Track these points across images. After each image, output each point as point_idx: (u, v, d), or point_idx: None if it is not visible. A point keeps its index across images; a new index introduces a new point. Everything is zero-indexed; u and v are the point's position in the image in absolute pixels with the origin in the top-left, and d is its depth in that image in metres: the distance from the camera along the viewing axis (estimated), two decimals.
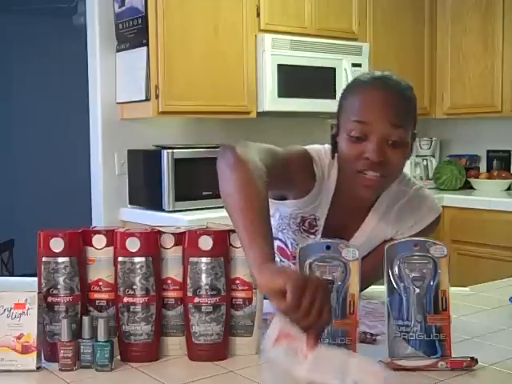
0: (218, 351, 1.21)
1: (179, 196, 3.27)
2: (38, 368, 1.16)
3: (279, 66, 3.59)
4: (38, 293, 1.17)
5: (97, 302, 1.22)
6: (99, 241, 1.22)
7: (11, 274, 4.29)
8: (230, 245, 1.22)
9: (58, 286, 1.19)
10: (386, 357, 1.16)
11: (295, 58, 3.65)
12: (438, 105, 4.37)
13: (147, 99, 3.29)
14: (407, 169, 3.78)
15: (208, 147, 3.40)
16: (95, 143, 3.57)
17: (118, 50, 3.49)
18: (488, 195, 3.92)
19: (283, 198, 1.52)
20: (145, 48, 3.28)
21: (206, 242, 1.19)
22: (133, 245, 1.19)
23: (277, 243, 1.59)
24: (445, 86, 4.33)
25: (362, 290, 1.38)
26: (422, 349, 1.16)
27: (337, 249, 1.17)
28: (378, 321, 1.40)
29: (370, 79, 1.44)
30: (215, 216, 3.10)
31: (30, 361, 1.15)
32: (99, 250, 1.22)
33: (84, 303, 1.21)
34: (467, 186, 4.30)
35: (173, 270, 1.22)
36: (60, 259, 1.19)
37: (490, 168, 4.42)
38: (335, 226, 1.52)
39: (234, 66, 3.51)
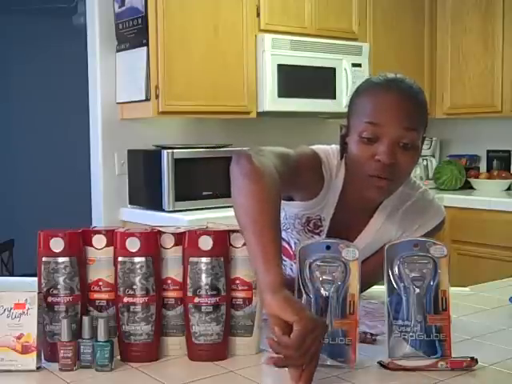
0: (218, 351, 1.21)
1: (179, 196, 3.27)
2: (38, 368, 1.16)
3: (279, 66, 3.59)
4: (38, 293, 1.17)
5: (97, 302, 1.22)
6: (99, 241, 1.22)
7: (11, 274, 4.28)
8: (230, 245, 1.22)
9: (58, 286, 1.19)
10: (385, 357, 1.16)
11: (295, 58, 3.65)
12: (438, 105, 4.37)
13: (147, 99, 3.29)
14: None
15: (208, 147, 3.40)
16: (95, 143, 3.57)
17: (118, 50, 3.49)
18: (488, 195, 3.92)
19: (290, 199, 1.52)
20: (145, 48, 3.28)
21: (205, 242, 1.19)
22: (133, 245, 1.19)
23: None
24: (445, 86, 4.33)
25: (362, 291, 1.38)
26: (421, 349, 1.16)
27: (337, 249, 1.18)
28: (378, 321, 1.40)
29: (384, 81, 1.43)
30: (215, 216, 3.11)
31: (30, 361, 1.15)
32: (99, 250, 1.22)
33: (84, 303, 1.21)
34: (467, 186, 4.30)
35: (173, 270, 1.22)
36: (60, 259, 1.19)
37: (490, 168, 4.42)
38: (340, 226, 1.52)
39: (234, 66, 3.51)
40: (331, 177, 1.49)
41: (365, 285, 1.41)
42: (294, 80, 3.67)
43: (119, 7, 3.43)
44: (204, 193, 3.34)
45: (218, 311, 1.20)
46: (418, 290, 1.17)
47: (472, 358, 1.15)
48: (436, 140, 4.63)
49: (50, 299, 1.19)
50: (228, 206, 3.40)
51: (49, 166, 6.14)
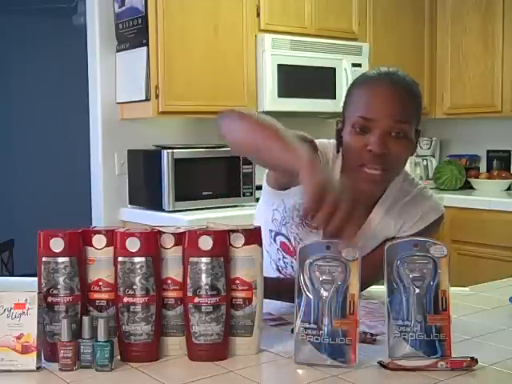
0: (218, 351, 1.21)
1: (179, 196, 3.27)
2: (38, 368, 1.15)
3: (279, 65, 3.59)
4: (38, 293, 1.17)
5: (97, 302, 1.22)
6: (99, 241, 1.22)
7: (11, 274, 4.29)
8: (230, 245, 1.22)
9: (58, 286, 1.19)
10: (385, 357, 1.16)
11: (295, 58, 3.65)
12: (437, 105, 4.37)
13: (147, 99, 3.29)
14: (407, 169, 3.77)
15: (208, 147, 3.40)
16: (95, 143, 3.57)
17: (118, 50, 3.49)
18: (488, 195, 3.92)
19: (287, 188, 1.52)
20: (145, 48, 3.28)
21: (205, 242, 1.19)
22: (133, 245, 1.19)
23: (280, 239, 1.60)
24: (445, 86, 4.33)
25: (362, 289, 1.38)
26: (421, 349, 1.16)
27: (337, 249, 1.18)
28: (378, 321, 1.40)
29: (376, 74, 1.48)
30: (215, 216, 3.11)
31: (30, 361, 1.15)
32: (99, 250, 1.22)
33: (84, 303, 1.21)
34: (467, 186, 4.30)
35: (173, 270, 1.22)
36: (60, 259, 1.19)
37: (490, 168, 4.42)
38: None
39: (234, 65, 3.51)
40: (328, 165, 1.52)
41: (364, 283, 1.41)
42: (294, 80, 3.67)
43: (119, 7, 3.43)
44: (204, 193, 3.34)
45: (218, 311, 1.20)
46: (417, 290, 1.17)
47: (472, 358, 1.15)
48: (436, 140, 4.63)
49: (49, 299, 1.19)
50: (228, 206, 3.43)
51: (49, 166, 6.14)
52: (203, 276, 1.19)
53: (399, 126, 1.40)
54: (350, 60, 3.82)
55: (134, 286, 1.19)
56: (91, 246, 1.22)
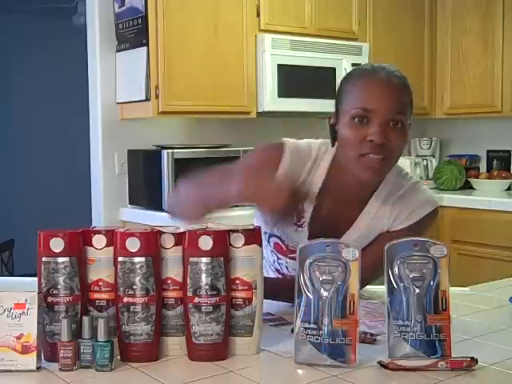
0: (218, 351, 1.21)
1: None
2: (38, 368, 1.15)
3: (279, 65, 3.59)
4: (38, 293, 1.17)
5: (97, 302, 1.22)
6: (99, 241, 1.22)
7: (11, 274, 4.29)
8: (230, 245, 1.22)
9: (58, 286, 1.19)
10: (385, 357, 1.16)
11: (295, 58, 3.65)
12: (437, 105, 4.37)
13: (147, 99, 3.29)
14: (407, 169, 3.77)
15: (208, 147, 3.40)
16: (95, 143, 3.57)
17: (118, 50, 3.49)
18: (488, 195, 3.92)
19: None
20: (145, 48, 3.28)
21: (205, 242, 1.19)
22: (133, 245, 1.19)
23: (274, 240, 1.61)
24: (445, 86, 4.33)
25: (361, 287, 1.38)
26: (421, 349, 1.16)
27: (337, 249, 1.18)
28: (378, 321, 1.40)
29: (371, 68, 1.52)
30: (215, 216, 3.10)
31: (30, 361, 1.15)
32: (99, 250, 1.22)
33: (84, 303, 1.21)
34: (467, 186, 4.30)
35: (173, 270, 1.22)
36: (60, 259, 1.19)
37: (490, 168, 4.42)
38: (327, 219, 1.54)
39: (234, 66, 3.51)
40: (308, 162, 1.54)
41: (364, 279, 1.41)
42: (294, 80, 3.67)
43: (119, 7, 3.43)
44: None
45: (218, 311, 1.20)
46: (417, 290, 1.17)
47: (472, 358, 1.15)
48: (436, 140, 4.62)
49: (49, 299, 1.19)
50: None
51: (49, 166, 6.14)
52: (203, 276, 1.19)
53: (397, 116, 1.43)
54: (350, 60, 3.82)
55: (134, 286, 1.19)
56: (91, 245, 1.22)
